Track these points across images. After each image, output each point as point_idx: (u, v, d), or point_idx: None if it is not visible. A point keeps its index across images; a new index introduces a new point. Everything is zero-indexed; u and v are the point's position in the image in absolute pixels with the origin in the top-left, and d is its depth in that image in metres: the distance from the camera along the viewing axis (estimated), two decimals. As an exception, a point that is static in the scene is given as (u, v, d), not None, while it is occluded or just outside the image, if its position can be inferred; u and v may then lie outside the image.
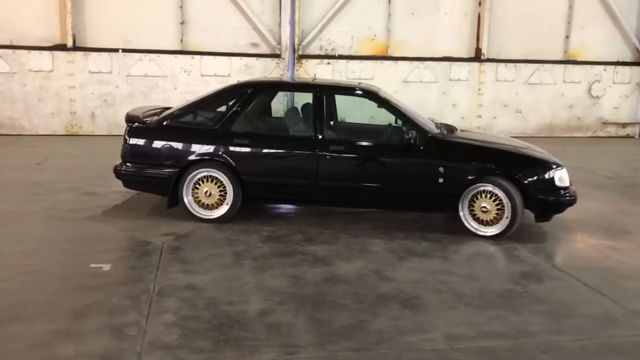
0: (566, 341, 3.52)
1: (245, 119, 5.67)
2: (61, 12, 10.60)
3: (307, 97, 5.93)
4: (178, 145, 5.60)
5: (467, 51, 12.35)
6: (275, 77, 10.62)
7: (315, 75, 11.20)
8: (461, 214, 5.49)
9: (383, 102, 5.68)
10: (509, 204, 5.33)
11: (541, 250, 5.18)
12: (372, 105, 5.86)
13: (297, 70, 11.59)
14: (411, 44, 12.04)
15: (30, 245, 4.90)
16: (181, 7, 11.06)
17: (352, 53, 11.83)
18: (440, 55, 12.16)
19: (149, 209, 5.84)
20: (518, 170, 5.38)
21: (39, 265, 4.44)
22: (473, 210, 5.47)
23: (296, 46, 11.50)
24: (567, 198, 5.45)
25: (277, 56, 11.44)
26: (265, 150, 5.59)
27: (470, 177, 5.37)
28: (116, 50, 10.88)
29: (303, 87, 6.12)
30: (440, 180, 5.41)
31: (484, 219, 5.46)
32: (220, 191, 5.60)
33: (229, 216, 5.63)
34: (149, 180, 5.65)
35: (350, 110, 6.86)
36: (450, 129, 6.06)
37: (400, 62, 11.96)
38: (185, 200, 5.60)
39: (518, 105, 12.56)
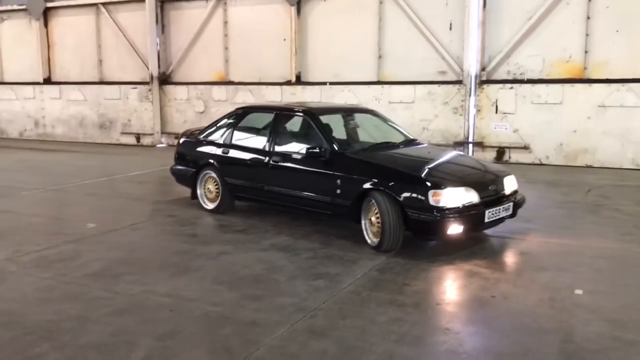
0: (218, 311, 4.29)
1: (234, 134, 7.31)
2: (291, 56, 13.54)
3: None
4: (198, 153, 7.62)
5: (690, 69, 10.49)
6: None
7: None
8: (362, 223, 6.00)
9: (314, 121, 6.55)
10: (382, 218, 5.65)
11: (394, 266, 5.31)
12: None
13: (478, 95, 11.91)
14: (613, 65, 10.96)
15: (86, 208, 7.74)
16: (378, 43, 12.72)
17: (544, 77, 11.46)
18: (654, 76, 10.66)
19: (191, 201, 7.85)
20: (392, 185, 5.59)
21: (61, 215, 7.24)
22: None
23: (479, 72, 11.84)
24: (442, 220, 5.40)
25: (459, 82, 11.99)
26: (237, 158, 7.13)
27: (360, 190, 5.86)
28: (324, 83, 13.26)
29: (269, 109, 7.35)
30: (338, 191, 6.07)
31: (373, 231, 5.86)
32: (217, 189, 7.40)
33: (220, 209, 7.34)
34: (184, 177, 7.84)
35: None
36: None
37: (595, 85, 11.02)
38: (198, 192, 7.59)
39: None
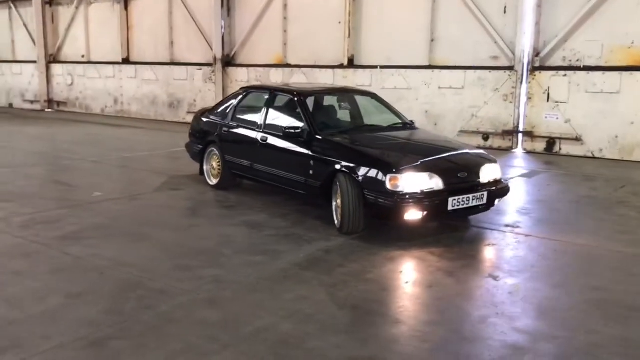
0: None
1: (234, 113, 7.49)
2: (344, 39, 13.53)
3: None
4: (205, 130, 7.90)
5: None
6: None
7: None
8: (333, 204, 5.98)
9: (299, 102, 6.57)
10: (342, 200, 5.62)
11: (344, 248, 5.26)
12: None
13: (529, 82, 11.35)
14: (680, 51, 10.02)
15: (106, 178, 8.28)
16: (431, 26, 12.40)
17: (602, 64, 10.71)
18: None
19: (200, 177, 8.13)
20: (353, 167, 5.51)
21: (78, 183, 7.82)
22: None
23: (532, 58, 11.27)
24: (399, 204, 5.28)
25: (511, 69, 11.47)
26: (234, 137, 7.32)
27: (329, 171, 5.85)
28: (375, 67, 13.14)
29: (266, 89, 7.39)
30: (311, 171, 6.09)
31: (339, 213, 5.83)
32: (219, 166, 7.64)
33: (221, 185, 7.57)
34: (194, 153, 8.15)
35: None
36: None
37: (656, 73, 10.13)
38: (205, 168, 7.87)
39: None
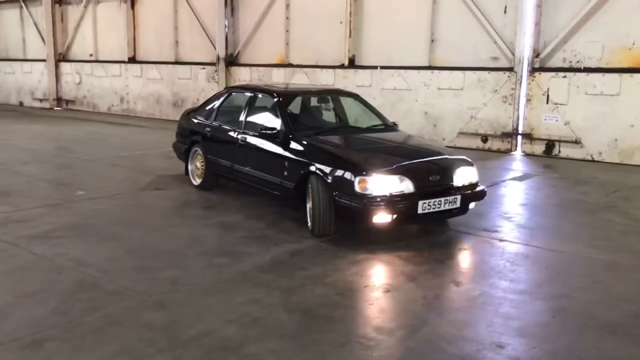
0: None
1: (217, 113, 7.47)
2: (345, 39, 13.44)
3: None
4: (190, 130, 7.88)
5: None
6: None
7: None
8: (307, 206, 5.91)
9: (277, 103, 6.51)
10: (312, 202, 5.56)
11: (312, 250, 5.22)
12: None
13: (529, 84, 11.18)
14: (682, 52, 9.80)
15: (94, 177, 8.22)
16: (431, 26, 12.27)
17: (603, 65, 10.51)
18: None
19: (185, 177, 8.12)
20: (324, 169, 5.44)
21: (65, 182, 7.80)
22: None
23: (532, 59, 11.11)
24: (368, 207, 5.20)
25: (510, 70, 11.31)
26: (216, 137, 7.29)
27: (302, 172, 5.79)
28: (375, 67, 13.04)
29: (247, 89, 7.33)
30: (285, 172, 6.04)
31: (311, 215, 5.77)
32: (203, 165, 7.61)
33: (204, 185, 7.55)
34: (179, 152, 8.14)
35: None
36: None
37: (658, 76, 9.91)
38: (189, 168, 7.85)
39: None
